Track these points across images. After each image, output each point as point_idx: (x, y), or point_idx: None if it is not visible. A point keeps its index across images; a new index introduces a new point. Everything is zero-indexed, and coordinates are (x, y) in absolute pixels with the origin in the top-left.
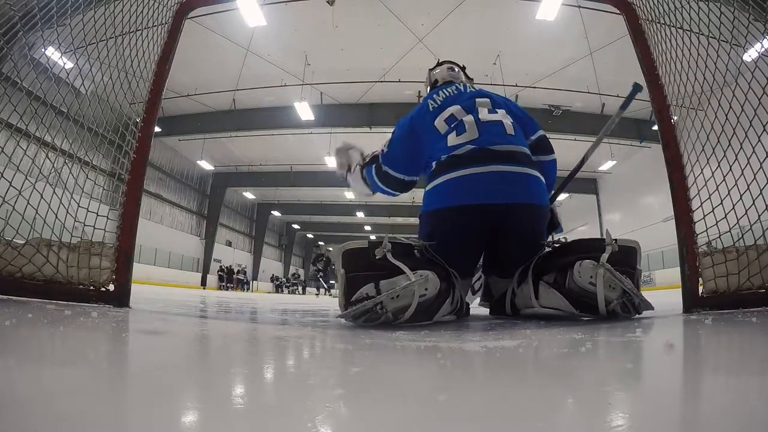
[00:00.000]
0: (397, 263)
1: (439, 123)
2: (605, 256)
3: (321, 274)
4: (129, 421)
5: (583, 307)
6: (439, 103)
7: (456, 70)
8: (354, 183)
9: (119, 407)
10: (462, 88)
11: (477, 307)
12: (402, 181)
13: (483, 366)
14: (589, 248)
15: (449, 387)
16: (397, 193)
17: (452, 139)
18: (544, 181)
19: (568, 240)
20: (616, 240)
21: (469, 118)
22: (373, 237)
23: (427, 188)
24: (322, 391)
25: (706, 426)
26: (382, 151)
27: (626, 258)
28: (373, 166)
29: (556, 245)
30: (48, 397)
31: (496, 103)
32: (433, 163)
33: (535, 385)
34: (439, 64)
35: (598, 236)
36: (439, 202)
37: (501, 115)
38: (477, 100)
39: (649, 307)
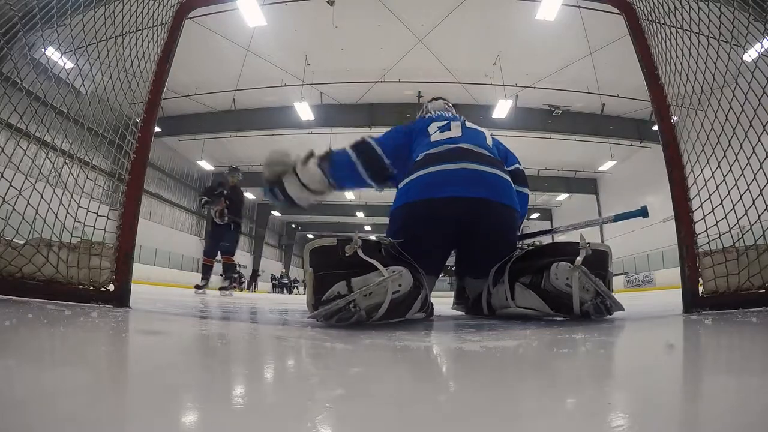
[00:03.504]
0: (370, 260)
1: (432, 127)
2: (580, 258)
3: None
4: (129, 421)
5: (558, 307)
6: (437, 114)
7: (450, 106)
8: (306, 177)
9: (119, 407)
10: (454, 116)
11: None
12: (383, 164)
13: (483, 366)
14: (564, 252)
15: (449, 387)
16: (368, 179)
17: (436, 136)
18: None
19: (542, 244)
20: (589, 244)
21: (455, 123)
22: (371, 236)
23: (400, 186)
24: (322, 391)
25: (706, 426)
26: (375, 138)
27: (599, 261)
28: (353, 145)
29: (531, 248)
30: (48, 397)
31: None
32: (410, 164)
33: (535, 385)
34: (435, 99)
35: (599, 236)
36: (409, 197)
37: (485, 132)
38: (462, 120)
39: (620, 308)
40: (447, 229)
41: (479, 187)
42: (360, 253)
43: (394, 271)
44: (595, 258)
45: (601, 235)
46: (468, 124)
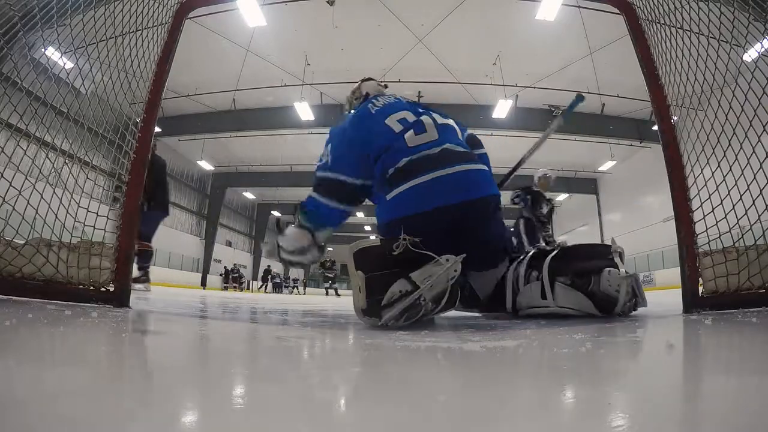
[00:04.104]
0: (425, 251)
1: (391, 122)
2: (622, 265)
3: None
4: (129, 421)
5: (602, 308)
6: (380, 106)
7: (384, 86)
8: (291, 243)
9: (119, 408)
10: (397, 98)
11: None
12: (354, 187)
13: (483, 366)
14: (599, 254)
15: (449, 387)
16: (345, 208)
17: (411, 139)
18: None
19: (566, 243)
20: (618, 247)
21: (426, 119)
22: (373, 237)
23: (390, 196)
24: (322, 392)
25: (706, 426)
26: (322, 163)
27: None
28: (314, 188)
29: (557, 247)
30: (48, 397)
31: (436, 112)
32: (390, 170)
33: (535, 385)
34: (366, 79)
35: (599, 235)
36: (413, 208)
37: (451, 121)
38: (419, 109)
39: (645, 304)
40: (452, 234)
41: (473, 187)
42: (410, 247)
43: (447, 259)
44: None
45: (601, 235)
46: (437, 118)
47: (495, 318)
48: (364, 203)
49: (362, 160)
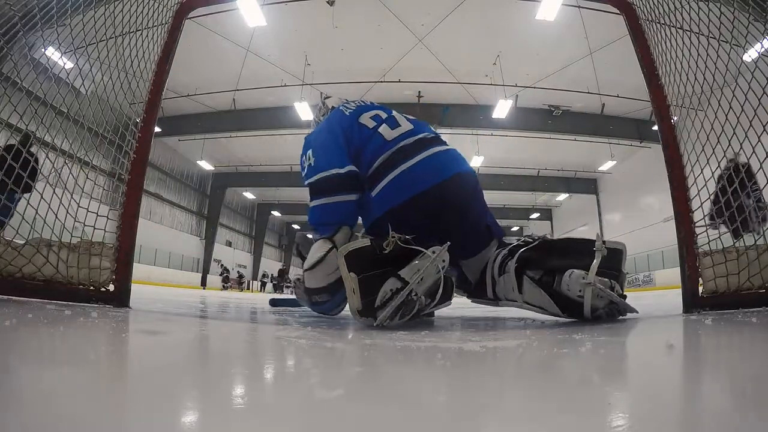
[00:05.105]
0: (412, 246)
1: (365, 119)
2: (593, 269)
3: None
4: (129, 421)
5: (569, 310)
6: (353, 108)
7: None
8: (312, 257)
9: (119, 408)
10: (367, 102)
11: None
12: (350, 174)
13: (483, 366)
14: (578, 251)
15: (449, 387)
16: (351, 196)
17: (388, 133)
18: None
19: (550, 237)
20: (605, 242)
21: (398, 115)
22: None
23: (374, 192)
24: (322, 391)
25: (706, 426)
26: (309, 169)
27: (612, 261)
28: (310, 206)
29: (539, 241)
30: (48, 397)
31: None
32: (372, 168)
33: (535, 386)
34: (326, 98)
35: (594, 236)
36: (394, 199)
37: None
38: (388, 110)
39: (633, 311)
40: (432, 219)
41: (443, 168)
42: (399, 243)
43: (433, 251)
44: (609, 257)
45: (601, 233)
46: (407, 116)
47: (494, 310)
48: None
49: (346, 152)
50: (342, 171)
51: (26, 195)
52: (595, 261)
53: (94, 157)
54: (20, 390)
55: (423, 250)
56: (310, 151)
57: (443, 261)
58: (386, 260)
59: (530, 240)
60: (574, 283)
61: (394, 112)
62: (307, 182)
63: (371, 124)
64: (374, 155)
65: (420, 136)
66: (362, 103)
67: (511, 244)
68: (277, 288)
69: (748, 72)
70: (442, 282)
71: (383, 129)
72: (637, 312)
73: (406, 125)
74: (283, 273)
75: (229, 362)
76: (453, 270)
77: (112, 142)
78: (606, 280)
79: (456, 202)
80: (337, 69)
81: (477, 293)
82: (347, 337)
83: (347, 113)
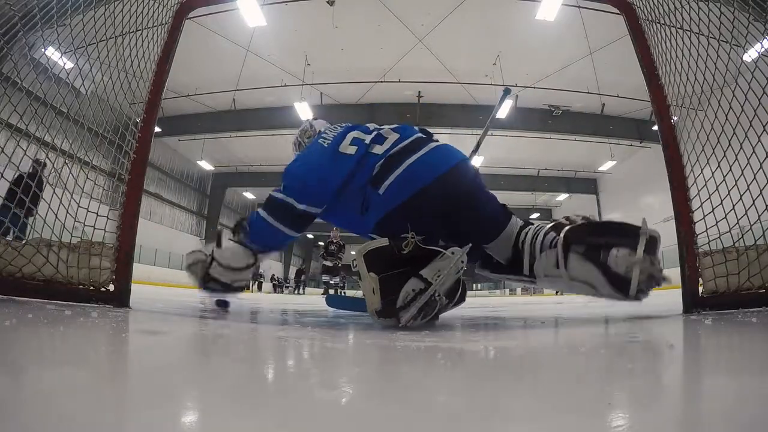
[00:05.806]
0: (432, 247)
1: (345, 147)
2: (641, 248)
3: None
4: (129, 421)
5: (616, 287)
6: (330, 139)
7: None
8: (230, 260)
9: (119, 408)
10: (346, 125)
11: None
12: (301, 213)
13: (483, 366)
14: (621, 232)
15: (449, 387)
16: (290, 232)
17: (379, 149)
18: None
19: (591, 219)
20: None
21: (386, 129)
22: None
23: (382, 189)
24: (322, 391)
25: (706, 426)
26: (277, 189)
27: (651, 245)
28: (257, 212)
29: (583, 221)
30: (48, 397)
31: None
32: (374, 170)
33: (536, 385)
34: (315, 118)
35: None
36: (408, 190)
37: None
38: (369, 129)
39: (669, 281)
40: (445, 211)
41: (450, 156)
42: (419, 244)
43: (453, 252)
44: (648, 241)
45: None
46: (391, 127)
47: (528, 282)
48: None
49: (315, 187)
50: (296, 205)
51: (29, 219)
52: (641, 240)
53: (94, 157)
54: (20, 390)
55: (442, 250)
56: (285, 177)
57: (462, 262)
58: (403, 261)
59: (571, 220)
60: (622, 259)
61: (374, 128)
62: (269, 194)
63: (353, 150)
64: (371, 167)
65: (414, 137)
66: (343, 128)
67: (549, 222)
68: (277, 288)
69: (748, 72)
70: (461, 282)
71: (375, 147)
72: (671, 281)
73: (392, 136)
74: (300, 273)
75: (230, 362)
76: (475, 254)
77: (112, 142)
78: (649, 257)
79: (462, 189)
80: (337, 69)
81: (513, 271)
82: (347, 336)
83: (325, 145)
